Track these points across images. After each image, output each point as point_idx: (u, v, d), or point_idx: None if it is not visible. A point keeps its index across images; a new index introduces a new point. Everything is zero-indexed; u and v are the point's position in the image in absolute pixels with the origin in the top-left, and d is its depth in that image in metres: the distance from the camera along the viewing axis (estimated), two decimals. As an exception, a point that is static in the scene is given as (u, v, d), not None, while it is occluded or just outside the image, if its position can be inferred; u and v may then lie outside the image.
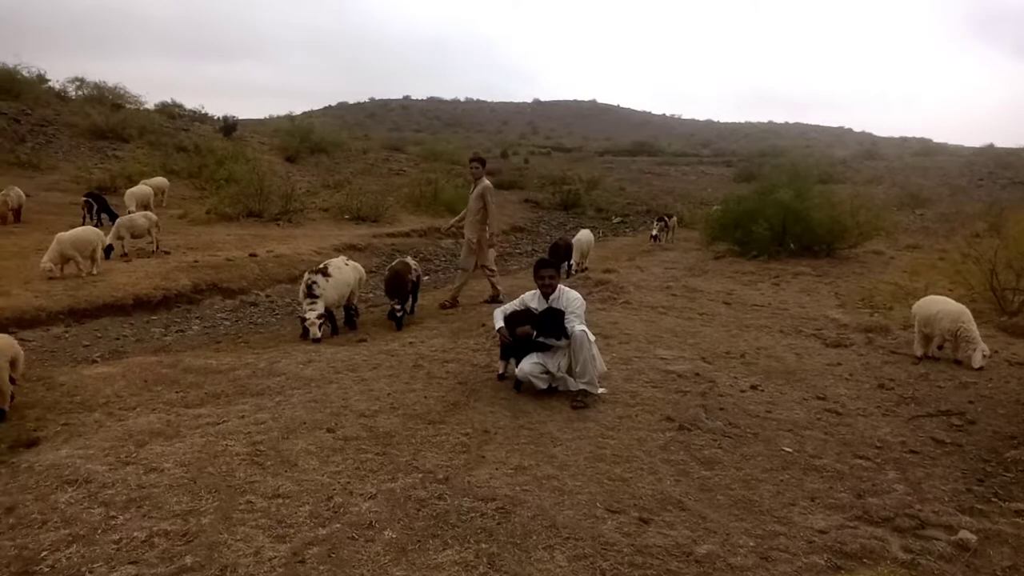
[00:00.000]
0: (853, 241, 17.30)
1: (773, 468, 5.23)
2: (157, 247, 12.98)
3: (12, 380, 6.07)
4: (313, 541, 3.97)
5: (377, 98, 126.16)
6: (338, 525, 4.14)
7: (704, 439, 5.66)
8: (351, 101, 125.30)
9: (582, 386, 6.35)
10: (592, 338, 6.45)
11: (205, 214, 17.85)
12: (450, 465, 5.02)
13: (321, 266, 9.27)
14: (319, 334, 8.60)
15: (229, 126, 32.96)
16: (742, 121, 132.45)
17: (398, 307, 9.55)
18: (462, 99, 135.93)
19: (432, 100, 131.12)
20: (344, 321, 9.68)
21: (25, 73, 28.04)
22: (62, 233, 10.64)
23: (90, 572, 3.68)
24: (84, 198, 15.62)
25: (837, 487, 4.98)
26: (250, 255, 13.08)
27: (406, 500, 4.47)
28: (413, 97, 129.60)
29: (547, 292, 6.62)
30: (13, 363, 6.06)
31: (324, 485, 4.64)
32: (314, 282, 8.85)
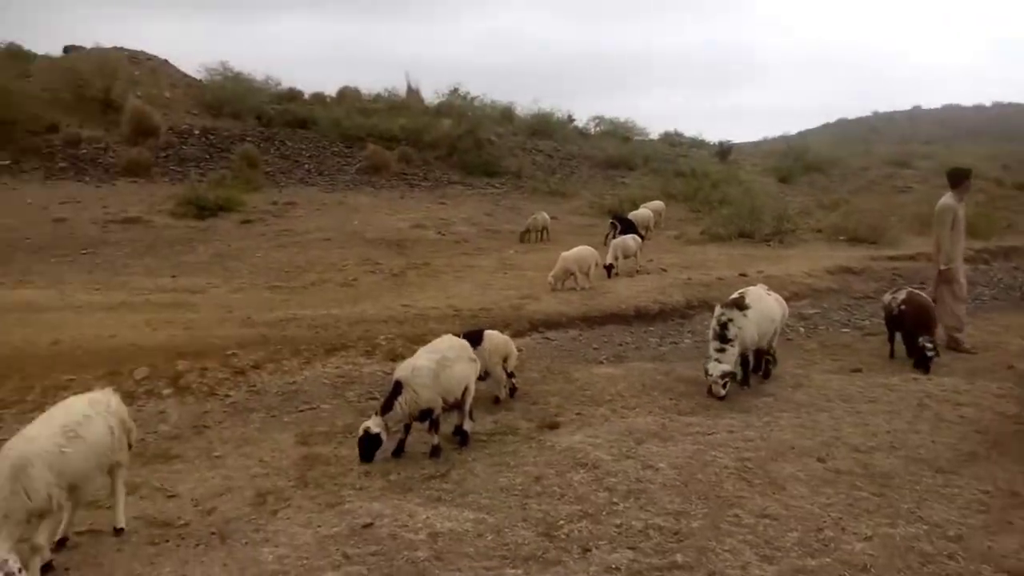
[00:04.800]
0: None
1: None
2: (638, 267, 14.09)
3: (509, 374, 7.19)
4: (801, 570, 3.84)
5: (880, 111, 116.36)
6: (827, 560, 3.93)
7: None
8: (851, 116, 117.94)
9: None
10: None
11: (699, 235, 18.75)
12: (964, 523, 4.35)
13: (736, 296, 7.42)
14: (723, 392, 6.87)
15: (724, 150, 34.03)
16: None
17: (929, 345, 8.18)
18: (987, 104, 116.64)
19: (948, 108, 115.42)
20: (753, 367, 7.69)
21: (556, 116, 33.36)
22: (566, 252, 12.34)
23: (596, 547, 4.15)
24: (611, 220, 17.72)
25: None
26: (740, 275, 13.31)
27: (907, 550, 4.02)
28: (923, 107, 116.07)
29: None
30: (506, 359, 7.17)
31: (813, 515, 4.45)
32: (729, 320, 7.03)
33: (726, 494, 4.78)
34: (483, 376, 6.75)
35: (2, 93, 18.93)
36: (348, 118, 24.31)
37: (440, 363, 5.74)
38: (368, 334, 9.10)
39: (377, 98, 29.02)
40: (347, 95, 28.68)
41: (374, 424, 5.52)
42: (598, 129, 35.25)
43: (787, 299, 8.67)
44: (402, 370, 5.75)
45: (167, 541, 4.31)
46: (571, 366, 8.54)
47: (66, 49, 24.44)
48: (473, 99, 28.64)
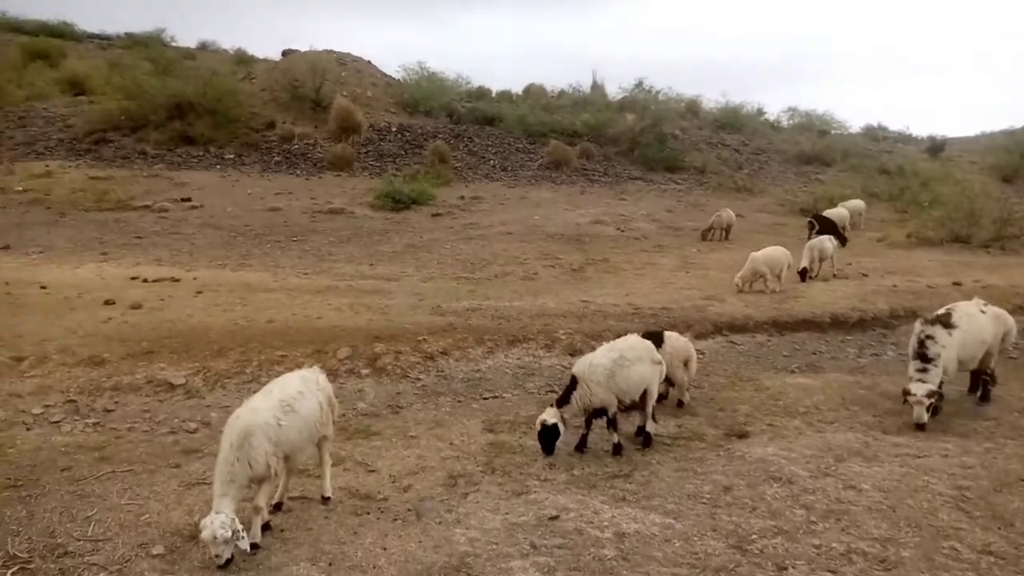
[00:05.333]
0: None
1: None
2: (836, 271, 13.09)
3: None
4: (1040, 621, 3.39)
5: None
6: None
7: None
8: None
9: None
10: None
11: (905, 238, 17.21)
12: None
13: (942, 312, 6.73)
14: (925, 418, 6.17)
15: (936, 146, 31.03)
16: None
17: None
18: None
19: None
20: (969, 388, 7.03)
21: (745, 109, 31.93)
22: (755, 252, 11.70)
23: (792, 567, 3.92)
24: (809, 219, 16.70)
25: None
26: (953, 283, 12.06)
27: None
28: None
29: None
30: (687, 362, 6.87)
31: (1053, 560, 3.93)
32: (928, 337, 6.37)
33: (941, 524, 4.34)
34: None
35: (230, 94, 21.13)
36: (532, 114, 24.75)
37: (617, 362, 5.69)
38: (548, 328, 9.20)
39: (561, 94, 29.31)
40: (532, 92, 29.22)
41: (550, 415, 5.59)
42: (791, 122, 33.37)
43: (1011, 312, 7.72)
44: (579, 365, 5.78)
45: (368, 513, 4.60)
46: (760, 373, 8.15)
47: (284, 53, 26.89)
48: (657, 93, 28.09)
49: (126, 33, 34.46)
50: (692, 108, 30.00)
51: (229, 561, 3.87)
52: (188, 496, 4.60)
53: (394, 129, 22.48)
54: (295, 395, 4.53)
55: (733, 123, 29.56)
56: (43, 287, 9.76)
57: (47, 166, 17.81)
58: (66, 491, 4.62)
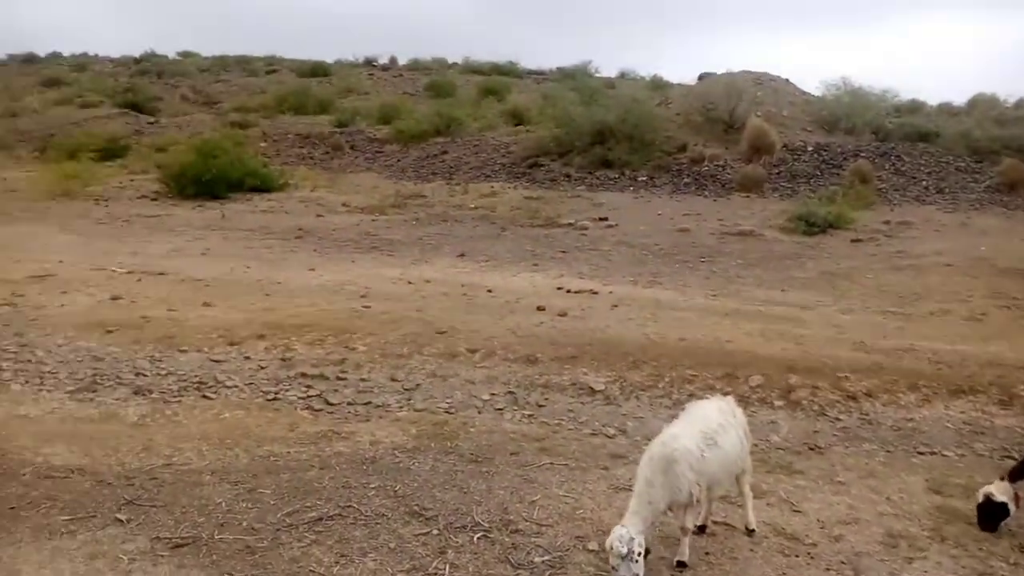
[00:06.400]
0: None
1: None
2: None
3: None
4: None
5: None
6: None
7: None
8: None
9: None
10: None
11: None
12: None
13: None
14: None
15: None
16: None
17: None
18: None
19: None
20: None
21: None
22: None
23: None
24: None
25: None
26: None
27: None
28: None
29: None
30: None
31: None
32: None
33: None
34: None
35: (646, 118, 22.19)
36: (979, 128, 21.39)
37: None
38: (1003, 380, 7.81)
39: (1020, 105, 24.86)
40: (980, 103, 25.32)
41: (998, 491, 4.67)
42: None
43: None
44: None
45: (796, 556, 4.33)
46: None
47: (700, 76, 27.43)
48: None
49: (557, 68, 38.59)
50: None
51: None
52: (617, 499, 4.83)
53: (810, 148, 21.34)
54: (716, 428, 4.47)
55: None
56: (489, 291, 11.30)
57: (492, 187, 20.74)
58: (515, 473, 5.21)
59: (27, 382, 7.01)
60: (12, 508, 4.38)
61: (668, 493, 4.09)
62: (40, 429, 5.76)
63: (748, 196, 19.14)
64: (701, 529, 4.58)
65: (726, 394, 7.12)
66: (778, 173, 20.33)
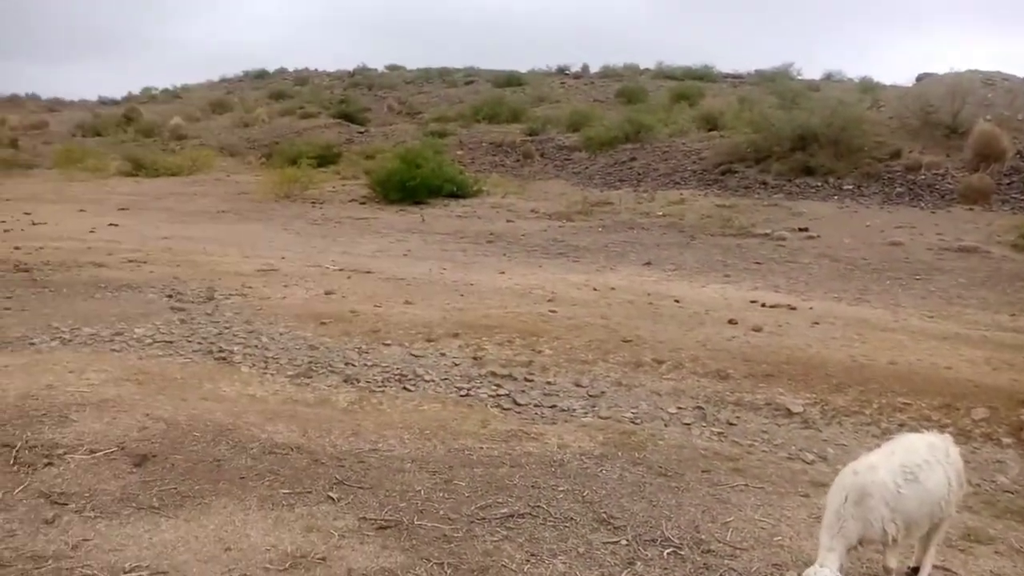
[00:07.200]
0: None
1: None
2: None
3: None
4: None
5: None
6: None
7: None
8: None
9: None
10: None
11: None
12: None
13: None
14: None
15: None
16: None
17: None
18: None
19: None
20: None
21: None
22: None
23: None
24: None
25: None
26: None
27: None
28: None
29: None
30: None
31: None
32: None
33: None
34: None
35: (854, 123, 20.69)
36: None
37: None
38: None
39: None
40: None
41: None
42: None
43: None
44: None
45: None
46: None
47: (919, 77, 25.11)
48: None
49: (756, 71, 37.02)
50: None
51: None
52: (818, 529, 4.51)
53: (1051, 157, 18.87)
54: (920, 463, 3.98)
55: None
56: (676, 300, 11.04)
57: (681, 194, 20.30)
58: (706, 492, 5.02)
59: (254, 365, 7.80)
60: (242, 478, 4.87)
61: (860, 526, 3.75)
62: (265, 408, 6.38)
63: (972, 208, 17.25)
64: (914, 572, 4.16)
65: (944, 427, 6.47)
66: (1009, 183, 18.15)
